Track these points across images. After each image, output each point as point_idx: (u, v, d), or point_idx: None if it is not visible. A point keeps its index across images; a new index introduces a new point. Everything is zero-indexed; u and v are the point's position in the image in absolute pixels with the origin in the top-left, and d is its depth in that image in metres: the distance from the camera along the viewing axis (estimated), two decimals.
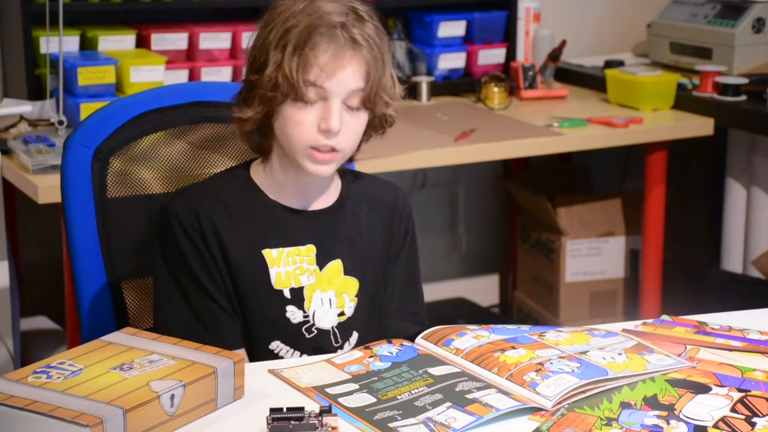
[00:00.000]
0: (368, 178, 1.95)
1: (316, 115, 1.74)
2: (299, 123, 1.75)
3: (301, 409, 1.46)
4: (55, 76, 2.95)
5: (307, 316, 1.82)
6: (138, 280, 1.96)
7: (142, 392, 1.45)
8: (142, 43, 3.24)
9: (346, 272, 1.86)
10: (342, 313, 1.85)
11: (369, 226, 1.90)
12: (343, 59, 1.73)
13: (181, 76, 3.21)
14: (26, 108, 2.96)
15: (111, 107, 1.96)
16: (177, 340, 1.62)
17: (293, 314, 1.82)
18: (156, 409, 1.44)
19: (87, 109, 2.90)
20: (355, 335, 1.86)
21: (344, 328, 1.85)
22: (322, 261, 1.84)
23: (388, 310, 1.91)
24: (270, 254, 1.81)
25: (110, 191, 1.92)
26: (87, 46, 3.17)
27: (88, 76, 2.96)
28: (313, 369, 1.67)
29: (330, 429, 1.44)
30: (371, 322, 1.88)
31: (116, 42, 3.18)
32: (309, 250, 1.83)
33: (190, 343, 1.61)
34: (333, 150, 1.75)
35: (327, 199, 1.87)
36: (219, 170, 1.96)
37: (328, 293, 1.84)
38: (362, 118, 1.78)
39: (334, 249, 1.85)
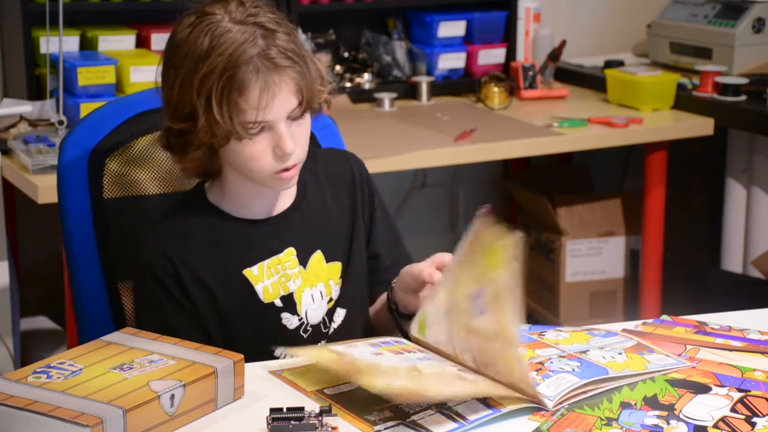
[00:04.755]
0: (318, 155, 1.92)
1: (267, 143, 1.71)
2: (253, 156, 1.71)
3: (301, 409, 1.46)
4: (55, 76, 2.95)
5: (302, 319, 1.82)
6: None
7: (142, 392, 1.45)
8: (142, 43, 3.23)
9: (328, 259, 1.85)
10: (330, 300, 1.85)
11: (335, 205, 1.89)
12: (273, 89, 1.68)
13: None
14: (26, 108, 2.96)
15: (107, 108, 1.95)
16: (177, 340, 1.62)
17: (289, 320, 1.81)
18: (156, 409, 1.44)
19: (87, 109, 2.90)
20: (340, 312, 1.86)
21: (331, 312, 1.86)
22: (303, 258, 1.83)
23: (378, 273, 1.92)
24: (251, 273, 1.79)
25: (106, 192, 1.91)
26: (87, 46, 3.17)
27: (88, 76, 2.96)
28: (314, 369, 1.67)
29: (330, 429, 1.44)
30: (360, 296, 1.89)
31: (116, 42, 3.18)
32: (289, 254, 1.82)
33: (190, 343, 1.61)
34: (295, 164, 1.75)
35: (288, 197, 1.85)
36: None
37: (317, 287, 1.84)
38: (307, 119, 1.76)
39: (312, 242, 1.84)
